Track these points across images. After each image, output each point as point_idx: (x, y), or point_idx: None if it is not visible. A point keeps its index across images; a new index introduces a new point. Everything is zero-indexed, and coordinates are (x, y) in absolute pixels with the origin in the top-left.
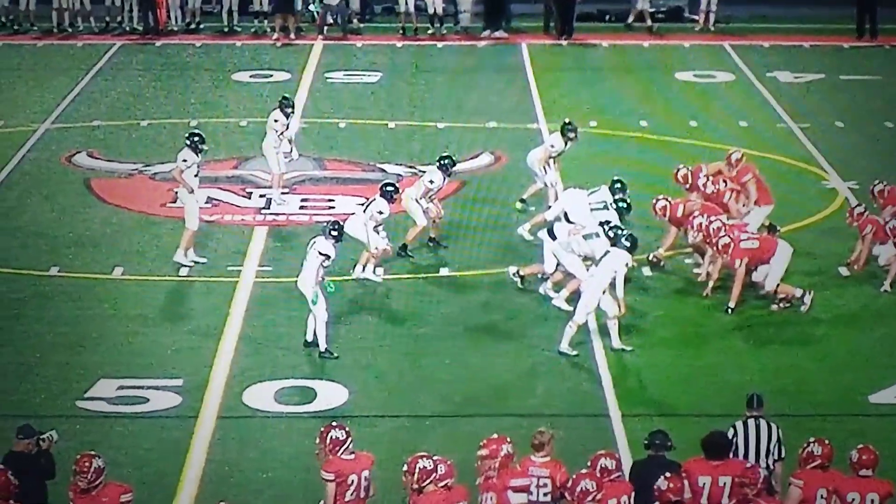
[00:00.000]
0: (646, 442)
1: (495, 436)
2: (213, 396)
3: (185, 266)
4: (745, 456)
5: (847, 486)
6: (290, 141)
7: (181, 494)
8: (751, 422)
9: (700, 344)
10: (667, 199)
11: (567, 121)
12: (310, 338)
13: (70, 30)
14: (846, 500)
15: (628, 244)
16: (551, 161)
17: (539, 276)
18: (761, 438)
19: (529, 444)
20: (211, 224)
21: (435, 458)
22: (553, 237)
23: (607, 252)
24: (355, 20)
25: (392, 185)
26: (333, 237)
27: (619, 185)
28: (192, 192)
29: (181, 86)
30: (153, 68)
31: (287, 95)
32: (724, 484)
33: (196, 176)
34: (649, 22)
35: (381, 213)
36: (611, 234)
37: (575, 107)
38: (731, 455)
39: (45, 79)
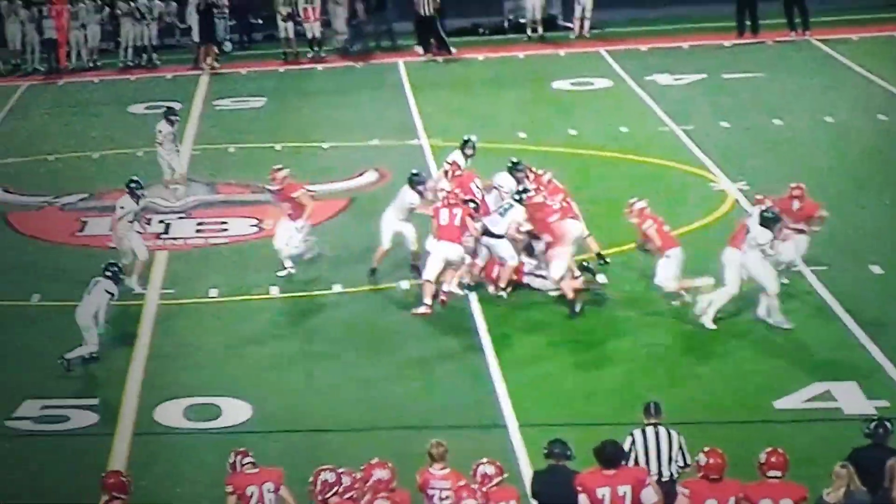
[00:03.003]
0: (545, 451)
1: (375, 460)
2: (127, 414)
3: (142, 292)
4: (647, 464)
5: (758, 493)
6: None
7: None
8: (649, 430)
9: (596, 353)
10: None
11: (466, 138)
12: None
13: None
14: None
15: None
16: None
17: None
18: (661, 446)
19: (427, 456)
20: (114, 250)
21: (340, 470)
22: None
23: None
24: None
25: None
26: (109, 277)
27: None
28: (119, 239)
29: (83, 121)
30: (57, 106)
31: (170, 106)
32: (625, 493)
33: (131, 222)
34: (540, 30)
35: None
36: None
37: (453, 121)
38: (626, 463)
39: None
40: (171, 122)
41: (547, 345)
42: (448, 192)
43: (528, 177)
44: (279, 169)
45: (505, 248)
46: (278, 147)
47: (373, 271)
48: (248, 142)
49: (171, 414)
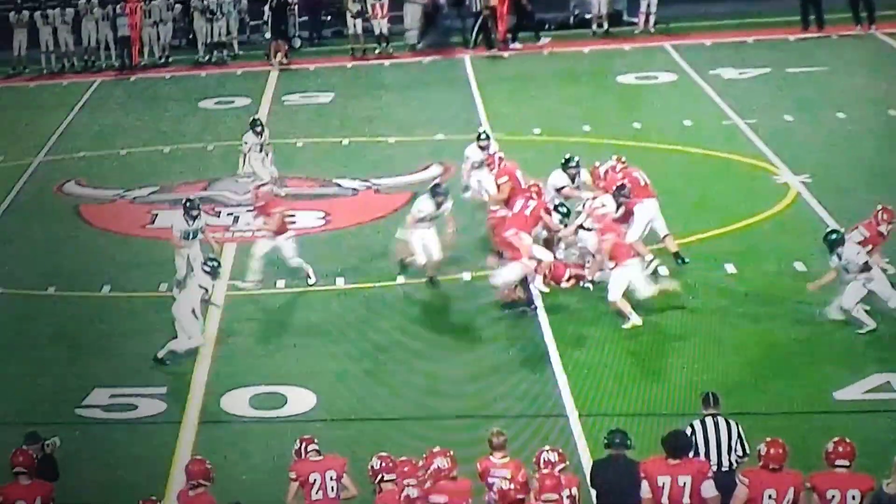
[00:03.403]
0: (606, 441)
1: (437, 448)
2: (194, 403)
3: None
4: (707, 455)
5: (825, 483)
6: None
7: (170, 495)
8: (709, 420)
9: (657, 344)
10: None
11: (479, 131)
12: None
13: (56, 70)
14: (826, 498)
15: None
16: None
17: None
18: (721, 436)
19: (487, 444)
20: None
21: (402, 458)
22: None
23: None
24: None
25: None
26: (207, 272)
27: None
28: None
29: (154, 115)
30: (129, 101)
31: (256, 117)
32: (685, 484)
33: (187, 239)
34: (606, 25)
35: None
36: None
37: (518, 115)
38: (691, 454)
39: (38, 116)
40: (257, 133)
41: (607, 336)
42: (531, 185)
43: (579, 174)
44: (260, 185)
45: (593, 243)
46: (345, 141)
47: (431, 280)
48: (316, 136)
49: (237, 402)
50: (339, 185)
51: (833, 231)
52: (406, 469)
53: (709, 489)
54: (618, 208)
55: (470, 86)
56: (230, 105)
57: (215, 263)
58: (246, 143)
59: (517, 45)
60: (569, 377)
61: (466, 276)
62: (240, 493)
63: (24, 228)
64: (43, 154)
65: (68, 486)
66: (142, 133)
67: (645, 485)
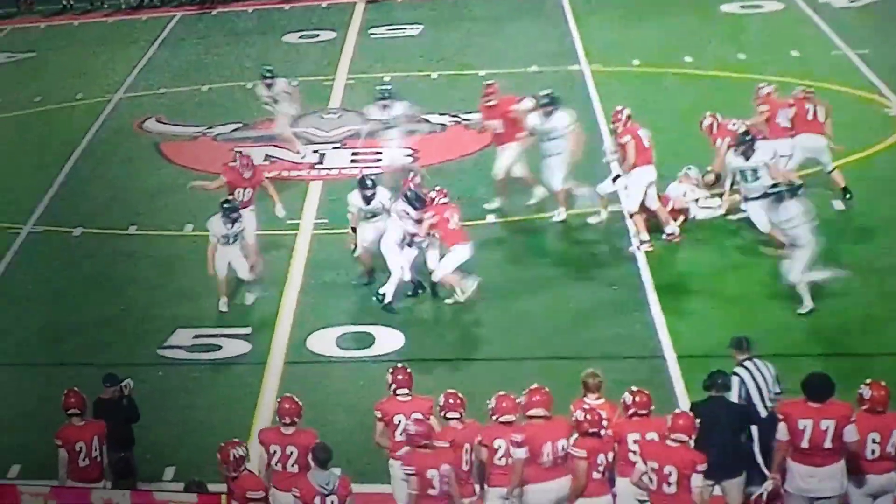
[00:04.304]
0: (706, 383)
1: (535, 385)
2: (280, 343)
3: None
4: (760, 397)
5: None
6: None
7: (254, 436)
8: (749, 364)
9: (759, 283)
10: (714, 117)
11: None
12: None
13: (134, 4)
14: None
15: None
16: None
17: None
18: (766, 377)
19: (582, 386)
20: (270, 180)
21: (503, 393)
22: None
23: None
24: None
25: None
26: (406, 200)
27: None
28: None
29: (236, 51)
30: (210, 35)
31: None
32: (827, 428)
33: (226, 244)
34: None
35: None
36: None
37: (616, 46)
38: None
39: (117, 52)
40: (267, 85)
41: (706, 276)
42: (627, 118)
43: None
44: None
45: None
46: (434, 75)
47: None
48: (404, 70)
49: (323, 342)
50: (427, 121)
51: (774, 184)
52: (504, 405)
53: (851, 433)
54: (746, 155)
55: (565, 15)
56: (315, 39)
57: (413, 192)
58: (261, 95)
59: None
60: (667, 318)
61: (560, 216)
62: (325, 433)
63: (104, 167)
64: (122, 91)
65: (150, 427)
66: (223, 69)
67: (782, 426)
